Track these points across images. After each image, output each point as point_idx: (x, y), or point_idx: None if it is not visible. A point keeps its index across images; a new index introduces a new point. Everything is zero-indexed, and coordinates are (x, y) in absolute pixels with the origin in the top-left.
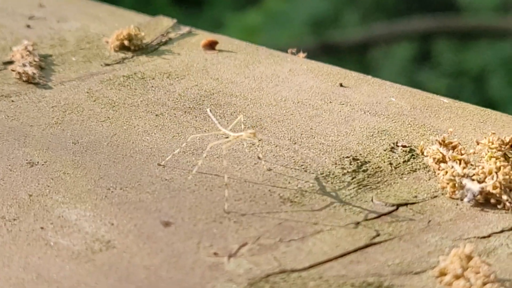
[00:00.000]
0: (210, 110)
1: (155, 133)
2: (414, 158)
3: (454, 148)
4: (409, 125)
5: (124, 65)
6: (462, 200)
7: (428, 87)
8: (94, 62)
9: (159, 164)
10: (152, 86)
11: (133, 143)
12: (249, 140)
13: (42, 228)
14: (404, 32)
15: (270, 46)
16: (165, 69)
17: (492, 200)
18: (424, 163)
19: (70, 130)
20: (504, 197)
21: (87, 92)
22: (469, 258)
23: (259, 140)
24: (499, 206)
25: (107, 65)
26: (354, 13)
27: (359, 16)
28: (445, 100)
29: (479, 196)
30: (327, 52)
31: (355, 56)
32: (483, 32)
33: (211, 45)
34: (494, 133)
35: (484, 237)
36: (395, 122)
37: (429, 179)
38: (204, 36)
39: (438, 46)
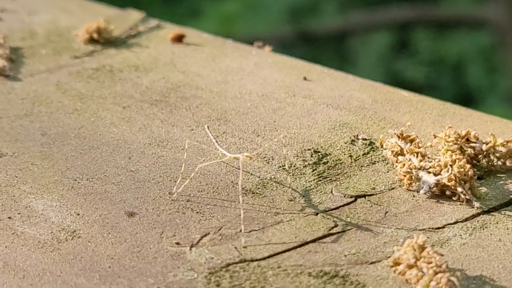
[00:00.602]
0: (208, 127)
1: (122, 125)
2: (373, 150)
3: (412, 141)
4: (370, 119)
5: (93, 57)
6: (418, 192)
7: (406, 76)
8: (64, 55)
9: (170, 193)
10: (120, 79)
11: (100, 135)
12: (244, 162)
13: (9, 218)
14: (383, 21)
15: (248, 34)
16: (133, 62)
17: (448, 192)
18: (383, 156)
19: (38, 121)
20: (459, 189)
21: (56, 85)
22: (422, 248)
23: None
24: (454, 198)
25: (76, 57)
26: (332, 2)
27: (337, 5)
28: (406, 93)
29: (434, 188)
30: (305, 40)
31: (333, 45)
32: (461, 21)
33: (179, 39)
34: (450, 127)
35: (438, 228)
36: (357, 115)
37: (388, 171)
38: (172, 30)
39: (416, 35)
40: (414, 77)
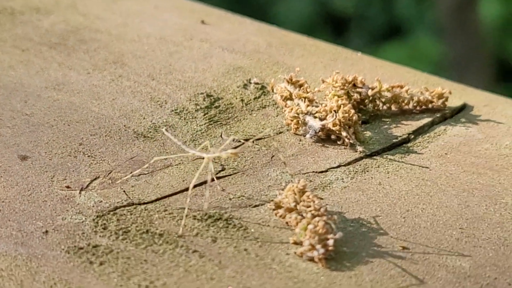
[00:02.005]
0: (167, 130)
1: (19, 69)
2: (264, 95)
3: (300, 86)
4: (264, 62)
5: None
6: (305, 136)
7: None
8: None
9: (178, 236)
10: (21, 22)
11: None
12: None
13: None
14: None
15: None
16: (35, 4)
17: (333, 137)
18: (273, 100)
19: None
20: (343, 133)
21: None
22: (302, 192)
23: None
24: (338, 142)
25: None
26: None
27: None
28: (300, 37)
29: (320, 133)
30: None
31: None
32: None
33: None
34: (338, 72)
35: (321, 172)
36: (251, 59)
37: (277, 116)
38: None
39: None
40: (343, 6)
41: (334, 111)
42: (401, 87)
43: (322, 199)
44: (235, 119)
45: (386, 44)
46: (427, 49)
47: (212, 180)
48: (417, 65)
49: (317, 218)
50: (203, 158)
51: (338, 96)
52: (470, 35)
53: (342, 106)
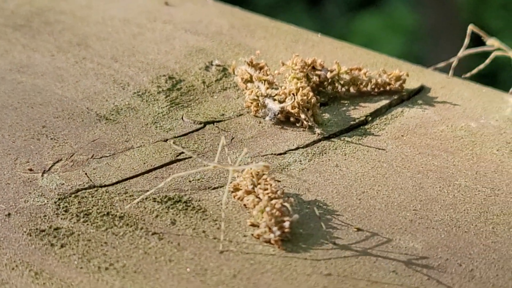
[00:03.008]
0: (174, 142)
1: None
2: (226, 77)
3: (261, 68)
4: (226, 44)
5: None
6: (264, 118)
7: None
8: None
9: (220, 252)
10: None
11: None
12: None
13: None
14: None
15: None
16: None
17: (292, 119)
18: (234, 82)
19: None
20: (302, 116)
21: None
22: (260, 175)
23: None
24: (297, 124)
25: None
26: None
27: None
28: (262, 19)
29: (280, 115)
30: None
31: None
32: None
33: None
34: (297, 55)
35: (280, 154)
36: (213, 41)
37: (238, 98)
38: None
39: None
40: None
41: (293, 94)
42: (359, 69)
43: (279, 181)
44: (197, 101)
45: (362, 13)
46: (403, 18)
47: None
48: (393, 34)
49: (273, 201)
50: (165, 141)
51: (298, 79)
52: (445, 4)
53: (301, 88)
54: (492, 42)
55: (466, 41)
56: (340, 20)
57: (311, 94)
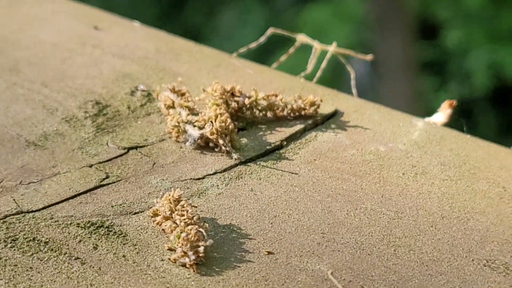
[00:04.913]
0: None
1: None
2: (150, 102)
3: (182, 95)
4: (151, 69)
5: None
6: (185, 144)
7: None
8: None
9: None
10: None
11: None
12: None
13: None
14: None
15: None
16: None
17: (211, 144)
18: (158, 107)
19: None
20: (220, 141)
21: None
22: (178, 201)
23: None
24: (216, 150)
25: None
26: None
27: None
28: (187, 42)
29: (199, 141)
30: None
31: None
32: None
33: None
34: (217, 82)
35: (198, 179)
36: (139, 65)
37: (160, 123)
38: None
39: None
40: None
41: (211, 121)
42: (276, 95)
43: (196, 207)
44: (122, 126)
45: (311, 4)
46: (351, 8)
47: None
48: (341, 23)
49: (189, 227)
50: (90, 167)
51: (217, 105)
52: None
53: (219, 115)
54: (300, 38)
55: (262, 39)
56: (290, 12)
57: (229, 120)
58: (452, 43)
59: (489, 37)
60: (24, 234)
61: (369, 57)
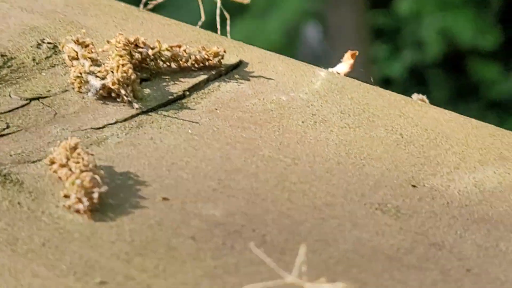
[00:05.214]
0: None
1: None
2: (56, 54)
3: (86, 46)
4: (59, 22)
5: None
6: (87, 94)
7: None
8: None
9: None
10: None
11: None
12: None
13: None
14: None
15: None
16: None
17: (113, 94)
18: (63, 60)
19: None
20: (122, 91)
21: None
22: (74, 149)
23: None
24: (118, 100)
25: None
26: None
27: None
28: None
29: (101, 91)
30: None
31: None
32: None
33: None
34: (121, 34)
35: (98, 128)
36: (47, 19)
37: (65, 74)
38: None
39: None
40: None
41: (112, 71)
42: (179, 46)
43: (93, 155)
44: (25, 78)
45: None
46: None
47: None
48: None
49: (84, 173)
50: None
51: (120, 56)
52: None
53: (121, 66)
54: None
55: None
56: None
57: (130, 70)
58: (404, 11)
59: (440, 4)
60: None
61: (246, 0)
